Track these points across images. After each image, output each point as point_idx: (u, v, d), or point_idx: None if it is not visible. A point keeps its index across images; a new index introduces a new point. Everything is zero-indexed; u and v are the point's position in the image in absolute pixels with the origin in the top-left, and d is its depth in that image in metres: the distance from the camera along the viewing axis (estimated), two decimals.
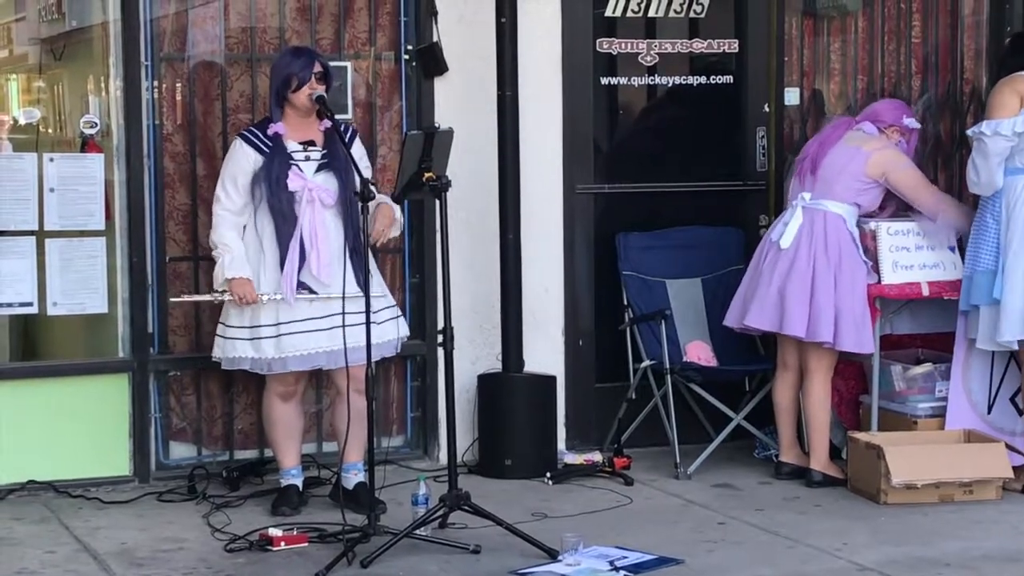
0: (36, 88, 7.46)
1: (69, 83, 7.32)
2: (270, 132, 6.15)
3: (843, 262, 6.58)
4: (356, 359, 5.83)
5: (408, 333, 6.44)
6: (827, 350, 6.61)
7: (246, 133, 6.20)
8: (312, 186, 6.10)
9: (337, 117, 6.18)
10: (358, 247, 5.97)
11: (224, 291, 6.08)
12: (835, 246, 6.58)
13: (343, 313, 5.80)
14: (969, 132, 6.59)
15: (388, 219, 6.16)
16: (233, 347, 6.15)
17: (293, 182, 6.08)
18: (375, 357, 5.73)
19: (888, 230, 6.73)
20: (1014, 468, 6.48)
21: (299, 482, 6.31)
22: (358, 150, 6.24)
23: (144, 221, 6.71)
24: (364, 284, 5.82)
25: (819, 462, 6.69)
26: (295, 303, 6.05)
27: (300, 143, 6.15)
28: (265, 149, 6.12)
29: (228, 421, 6.92)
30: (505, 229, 6.95)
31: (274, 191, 6.07)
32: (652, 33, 7.48)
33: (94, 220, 6.66)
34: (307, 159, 6.14)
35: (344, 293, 5.82)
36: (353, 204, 6.02)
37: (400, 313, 6.36)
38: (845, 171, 6.63)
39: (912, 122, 6.84)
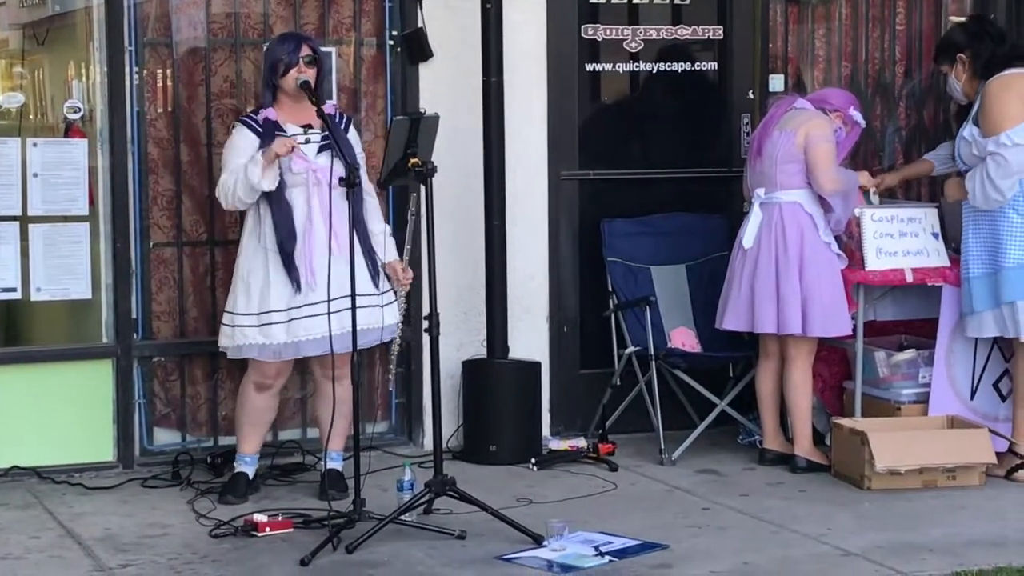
0: (18, 73, 7.42)
1: (52, 68, 7.29)
2: (260, 117, 6.14)
3: (805, 250, 6.57)
4: (367, 341, 5.94)
5: (398, 319, 6.35)
6: (805, 338, 6.62)
7: (245, 119, 6.18)
8: (315, 167, 6.08)
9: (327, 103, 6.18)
10: (362, 231, 6.02)
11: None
12: (795, 236, 6.58)
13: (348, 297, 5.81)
14: (990, 147, 6.36)
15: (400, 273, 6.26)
16: (242, 335, 6.10)
17: (297, 164, 6.06)
18: (359, 344, 5.74)
19: (872, 216, 6.75)
20: (997, 454, 6.50)
21: (250, 471, 6.27)
22: (352, 137, 6.23)
23: (128, 207, 6.70)
24: (351, 272, 5.80)
25: (802, 448, 6.71)
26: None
27: (300, 126, 6.14)
28: (260, 131, 6.11)
29: (212, 407, 6.91)
30: (490, 215, 6.94)
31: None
32: (636, 19, 7.49)
33: (78, 205, 6.64)
34: (308, 141, 6.12)
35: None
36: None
37: (393, 299, 6.30)
38: (779, 158, 6.60)
39: (858, 116, 6.76)
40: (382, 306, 6.17)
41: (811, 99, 6.81)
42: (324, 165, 6.07)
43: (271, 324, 6.05)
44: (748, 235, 6.65)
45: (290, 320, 6.04)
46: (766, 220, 6.63)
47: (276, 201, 6.05)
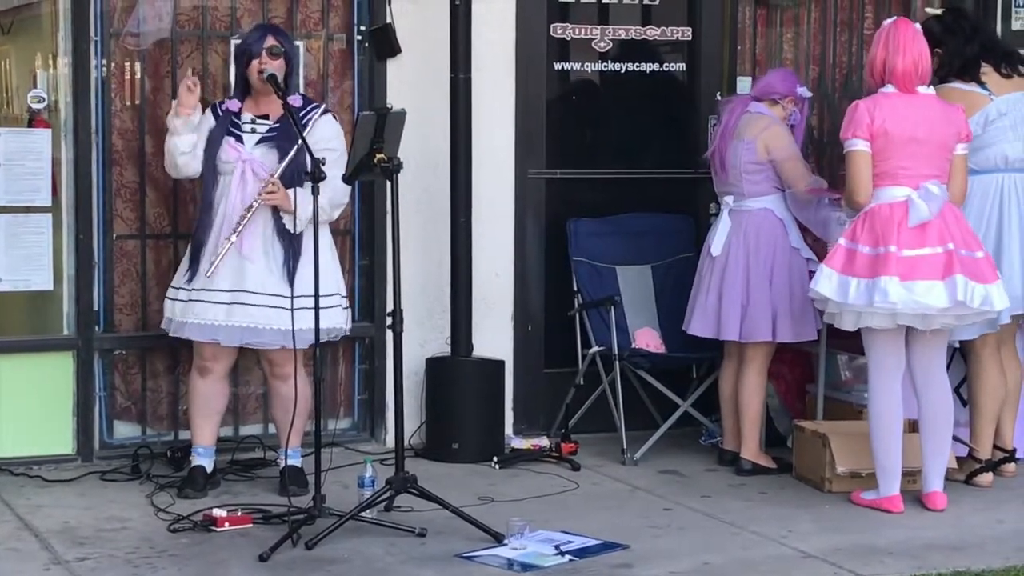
0: None
1: (17, 58, 7.26)
2: (223, 106, 6.15)
3: (777, 257, 6.58)
4: (265, 342, 5.96)
5: (341, 325, 6.21)
6: (764, 342, 6.61)
7: (213, 104, 6.23)
8: (247, 158, 6.05)
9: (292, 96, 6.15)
10: (282, 228, 5.98)
11: (234, 233, 5.97)
12: (768, 243, 6.59)
13: (294, 297, 5.79)
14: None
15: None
16: (166, 306, 6.23)
17: (227, 153, 6.05)
18: (286, 343, 5.82)
19: (838, 219, 6.74)
20: (958, 458, 6.52)
21: (207, 463, 6.25)
22: (329, 129, 6.16)
23: (91, 198, 6.66)
24: (314, 267, 5.77)
25: (750, 451, 6.69)
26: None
27: (256, 116, 6.12)
28: (218, 118, 6.13)
29: (173, 401, 6.88)
30: (456, 212, 6.93)
31: (206, 157, 6.08)
32: (606, 19, 7.49)
33: (41, 196, 6.60)
34: (252, 131, 6.10)
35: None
36: (292, 183, 5.96)
37: (339, 303, 6.18)
38: (742, 168, 6.62)
39: (804, 91, 6.80)
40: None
41: (758, 93, 6.78)
42: (256, 157, 6.04)
43: (175, 300, 6.14)
44: (717, 242, 6.65)
45: (189, 300, 6.08)
46: (736, 227, 6.63)
47: (203, 192, 6.13)
